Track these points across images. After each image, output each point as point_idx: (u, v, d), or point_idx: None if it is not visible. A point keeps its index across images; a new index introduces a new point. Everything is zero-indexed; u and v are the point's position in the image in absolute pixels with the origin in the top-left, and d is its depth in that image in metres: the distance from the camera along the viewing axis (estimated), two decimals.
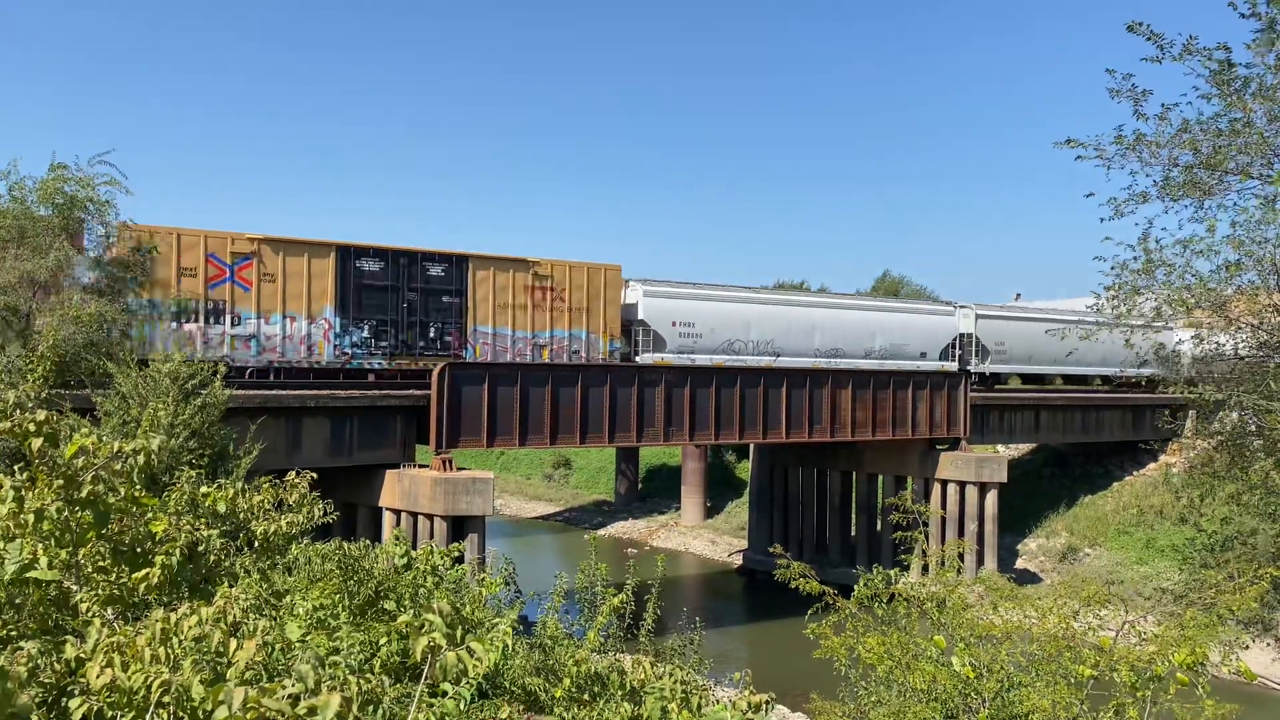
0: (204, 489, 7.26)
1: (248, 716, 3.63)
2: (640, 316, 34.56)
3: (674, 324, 35.14)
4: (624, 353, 34.21)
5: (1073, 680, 8.63)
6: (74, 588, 5.58)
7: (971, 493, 37.48)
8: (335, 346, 28.01)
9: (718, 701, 6.31)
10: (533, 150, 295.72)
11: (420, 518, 26.56)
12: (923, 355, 40.66)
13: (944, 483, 38.05)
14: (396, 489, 27.19)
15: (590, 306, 33.23)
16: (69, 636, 4.85)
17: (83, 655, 4.45)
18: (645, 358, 34.03)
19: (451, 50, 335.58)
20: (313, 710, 3.67)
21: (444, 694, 4.96)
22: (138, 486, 5.99)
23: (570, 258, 38.55)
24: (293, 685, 3.89)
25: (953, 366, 41.03)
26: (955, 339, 41.85)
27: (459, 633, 5.31)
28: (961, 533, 36.86)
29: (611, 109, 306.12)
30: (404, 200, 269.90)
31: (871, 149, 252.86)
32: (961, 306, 42.74)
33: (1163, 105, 19.37)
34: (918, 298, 44.33)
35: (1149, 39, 18.24)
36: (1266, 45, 17.85)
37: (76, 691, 4.24)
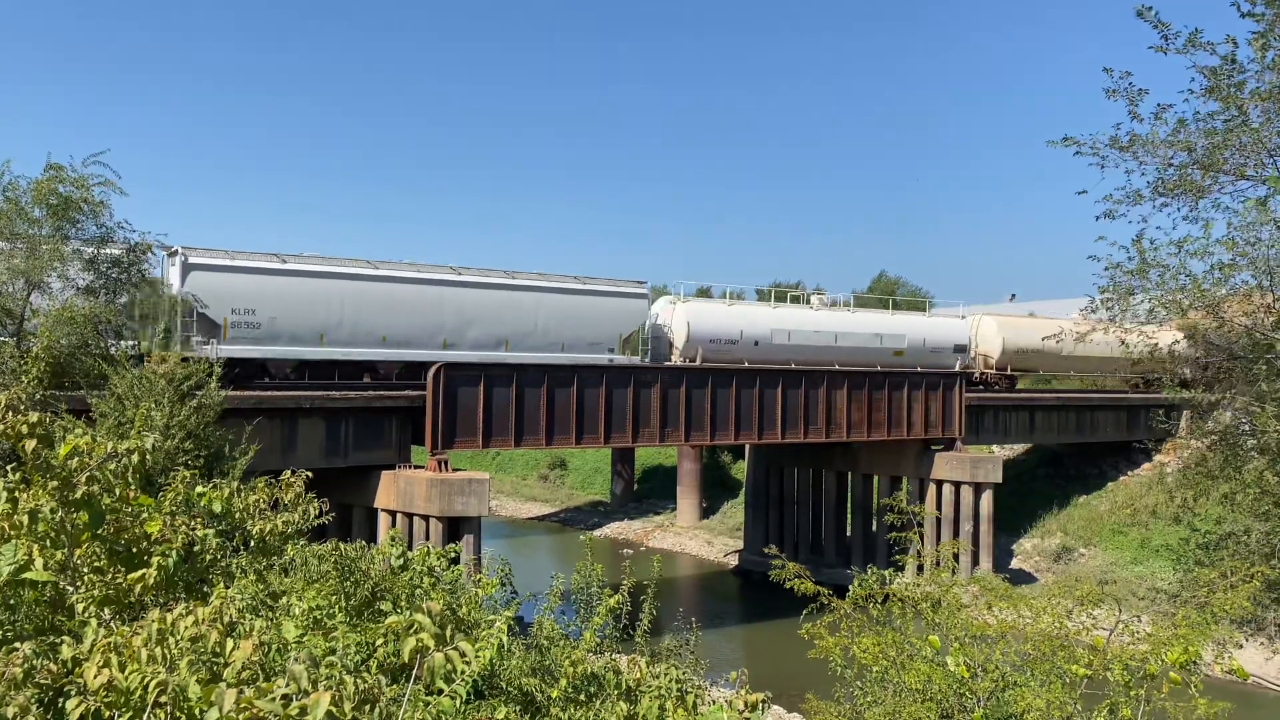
0: (199, 489, 7.26)
1: (240, 717, 3.64)
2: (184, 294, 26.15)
3: (234, 309, 26.82)
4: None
5: (1067, 679, 8.67)
6: (70, 588, 5.59)
7: (966, 493, 37.55)
8: None
9: (714, 701, 6.33)
10: (525, 152, 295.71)
11: (416, 519, 26.54)
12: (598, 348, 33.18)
13: (939, 483, 38.11)
14: (392, 490, 27.16)
15: None
16: (65, 637, 4.85)
17: (79, 656, 4.45)
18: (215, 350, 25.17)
19: (448, 50, 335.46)
20: (303, 710, 3.68)
21: (440, 694, 4.97)
22: (133, 487, 5.99)
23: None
24: (286, 686, 3.89)
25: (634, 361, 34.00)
26: (646, 327, 35.37)
27: (448, 633, 5.32)
28: (956, 533, 36.92)
29: (606, 112, 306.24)
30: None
31: (871, 148, 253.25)
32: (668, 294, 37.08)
33: (1158, 105, 19.47)
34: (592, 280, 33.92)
35: (1156, 26, 18.27)
36: (1263, 46, 17.94)
37: (73, 692, 4.24)
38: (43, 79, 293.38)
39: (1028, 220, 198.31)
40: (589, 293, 33.70)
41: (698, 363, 35.01)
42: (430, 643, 4.69)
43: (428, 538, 25.76)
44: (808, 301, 43.43)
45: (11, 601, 5.38)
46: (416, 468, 27.73)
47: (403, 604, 6.98)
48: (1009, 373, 41.56)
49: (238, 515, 7.45)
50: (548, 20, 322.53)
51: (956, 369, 40.68)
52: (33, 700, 4.16)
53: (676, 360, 35.49)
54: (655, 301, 37.36)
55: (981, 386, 44.15)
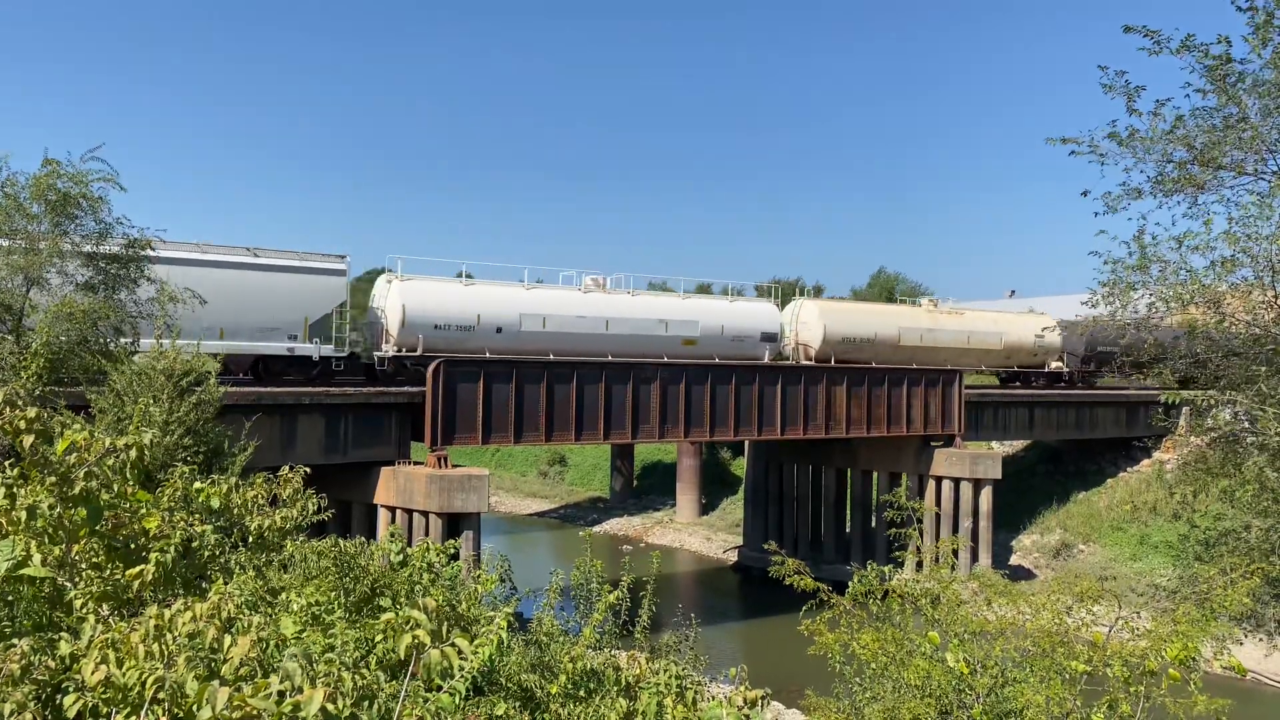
0: (198, 485, 7.25)
1: (234, 715, 3.62)
2: None
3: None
4: None
5: (1066, 676, 8.66)
6: (68, 584, 5.57)
7: (966, 489, 37.58)
8: None
9: (713, 697, 6.32)
10: (530, 152, 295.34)
11: (415, 515, 26.57)
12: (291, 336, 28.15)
13: (938, 479, 38.14)
14: (392, 486, 27.18)
15: None
16: (63, 633, 4.84)
17: (77, 652, 4.44)
18: None
19: (444, 51, 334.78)
20: (297, 707, 3.67)
21: (439, 690, 4.96)
22: (131, 483, 5.98)
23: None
24: (280, 683, 3.88)
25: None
26: (347, 309, 29.80)
27: (444, 629, 5.31)
28: (956, 529, 36.96)
29: (604, 109, 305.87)
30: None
31: (870, 147, 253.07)
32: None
33: (1156, 101, 19.44)
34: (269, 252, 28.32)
35: (1145, 34, 18.32)
36: (1261, 40, 17.92)
37: (71, 688, 4.23)
38: (35, 75, 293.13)
39: (1028, 217, 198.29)
40: (263, 267, 27.83)
41: (418, 352, 29.15)
42: (426, 639, 4.68)
43: (427, 534, 25.77)
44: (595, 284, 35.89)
45: (9, 598, 5.36)
46: (416, 464, 27.75)
47: (402, 600, 6.97)
48: (832, 365, 37.19)
49: (236, 511, 7.45)
50: (532, 7, 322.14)
51: (765, 360, 36.45)
52: (30, 696, 4.15)
53: (389, 351, 29.55)
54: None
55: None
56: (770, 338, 36.99)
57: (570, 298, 33.38)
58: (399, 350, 29.62)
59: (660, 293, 37.14)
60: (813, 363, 37.92)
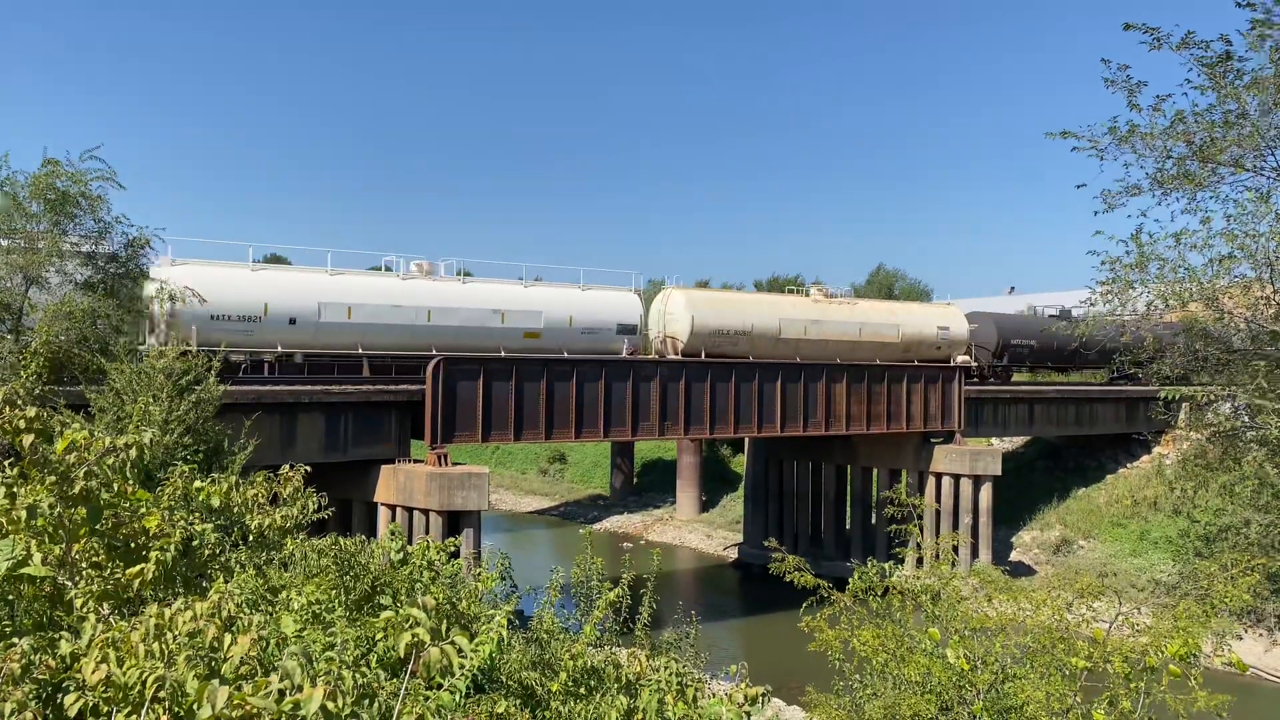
0: (197, 484, 7.25)
1: (234, 714, 3.63)
2: None
3: None
4: None
5: (1067, 672, 8.67)
6: (68, 584, 5.57)
7: (966, 486, 37.61)
8: None
9: (713, 694, 6.33)
10: (521, 150, 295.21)
11: (416, 513, 26.59)
12: None
13: (938, 476, 38.17)
14: (392, 484, 27.19)
15: None
16: (64, 633, 4.84)
17: (78, 651, 4.44)
18: None
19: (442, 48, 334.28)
20: (297, 705, 3.67)
21: (440, 688, 4.96)
22: (131, 482, 5.98)
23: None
24: (280, 681, 3.89)
25: None
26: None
27: (444, 627, 5.31)
28: (956, 525, 36.97)
29: (599, 109, 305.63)
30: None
31: (868, 146, 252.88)
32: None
33: (1156, 97, 19.44)
34: None
35: (1146, 31, 18.33)
36: (1260, 37, 17.92)
37: (72, 687, 4.23)
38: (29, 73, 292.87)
39: (1029, 214, 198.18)
40: None
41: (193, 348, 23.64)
42: (426, 637, 4.68)
43: (427, 532, 25.80)
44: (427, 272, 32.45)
45: (10, 597, 5.37)
46: (416, 462, 27.76)
47: (402, 598, 6.97)
48: (704, 360, 34.39)
49: (236, 510, 7.45)
50: (538, 15, 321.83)
51: (624, 354, 33.44)
52: (31, 695, 4.16)
53: (153, 343, 24.85)
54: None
55: None
56: (628, 330, 34.12)
57: (384, 284, 30.00)
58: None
59: (499, 280, 33.71)
60: (679, 357, 34.69)
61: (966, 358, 42.41)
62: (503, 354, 30.37)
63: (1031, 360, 45.45)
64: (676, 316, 35.36)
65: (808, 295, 40.23)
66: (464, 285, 31.75)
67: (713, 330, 35.31)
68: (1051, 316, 47.28)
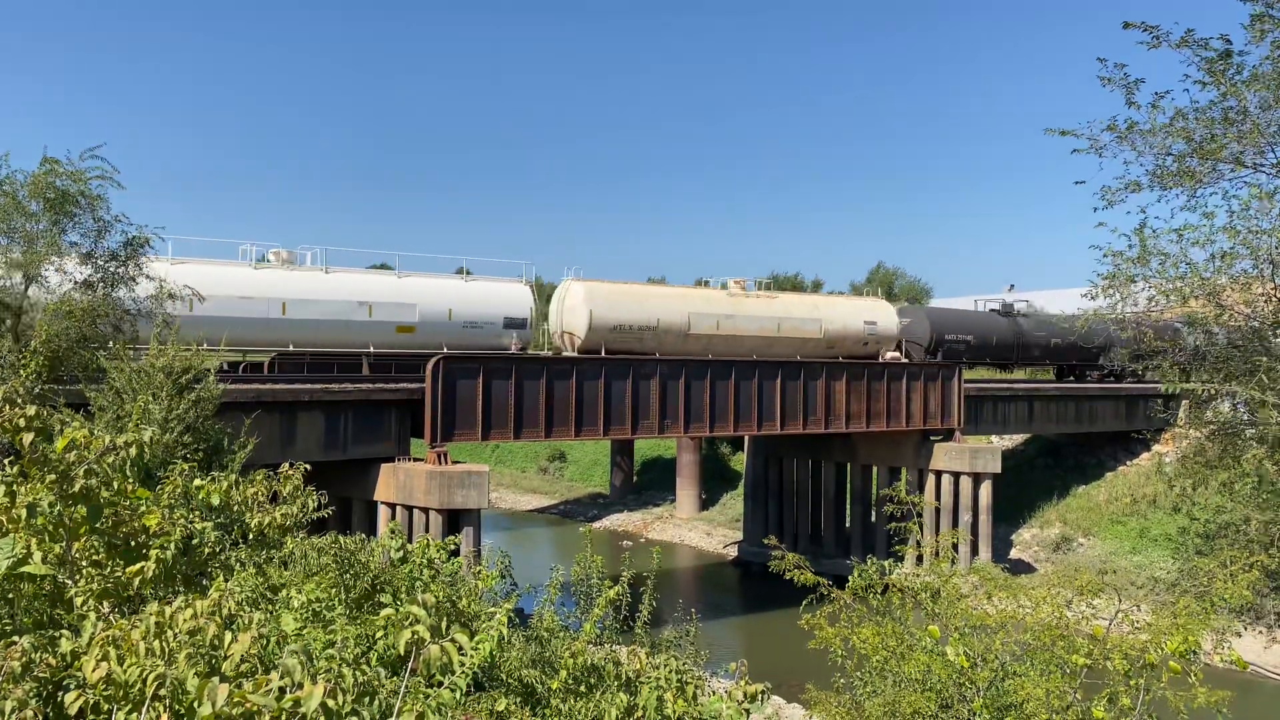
0: (197, 482, 7.25)
1: (234, 712, 3.63)
2: None
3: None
4: None
5: (1066, 669, 8.68)
6: (68, 582, 5.58)
7: (966, 483, 37.63)
8: None
9: (713, 692, 6.33)
10: (525, 151, 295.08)
11: (415, 511, 26.59)
12: None
13: (938, 473, 38.18)
14: (392, 483, 27.20)
15: None
16: (64, 631, 4.85)
17: (78, 649, 4.44)
18: None
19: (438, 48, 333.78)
20: (297, 703, 3.67)
21: (440, 685, 4.97)
22: (131, 480, 5.98)
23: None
24: (280, 679, 3.89)
25: None
26: None
27: (444, 625, 5.31)
28: (956, 523, 36.99)
29: (603, 104, 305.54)
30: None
31: (868, 144, 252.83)
32: None
33: (1155, 94, 19.41)
34: None
35: (1145, 30, 18.33)
36: (1260, 33, 17.90)
37: (72, 685, 4.24)
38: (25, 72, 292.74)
39: (1029, 212, 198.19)
40: None
41: None
42: (426, 635, 4.68)
43: (427, 530, 25.81)
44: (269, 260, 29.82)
45: (10, 595, 5.37)
46: (416, 460, 27.76)
47: (402, 596, 6.98)
48: (603, 356, 32.00)
49: (236, 508, 7.45)
50: (531, 8, 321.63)
51: (513, 350, 31.57)
52: (32, 694, 4.16)
53: None
54: None
55: None
56: (517, 324, 32.26)
57: (231, 274, 27.58)
58: None
59: (367, 270, 31.50)
60: (575, 354, 32.59)
61: (896, 354, 40.61)
62: (371, 349, 29.28)
63: (969, 356, 42.85)
64: (574, 310, 32.91)
65: (722, 289, 37.93)
66: (326, 275, 29.77)
67: (614, 325, 32.92)
68: (993, 311, 46.25)
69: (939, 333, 41.83)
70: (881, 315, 40.25)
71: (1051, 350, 44.97)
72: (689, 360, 33.08)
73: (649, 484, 59.10)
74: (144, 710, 3.97)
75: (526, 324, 32.79)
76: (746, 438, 44.87)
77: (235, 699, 3.64)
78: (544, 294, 41.18)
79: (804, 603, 10.45)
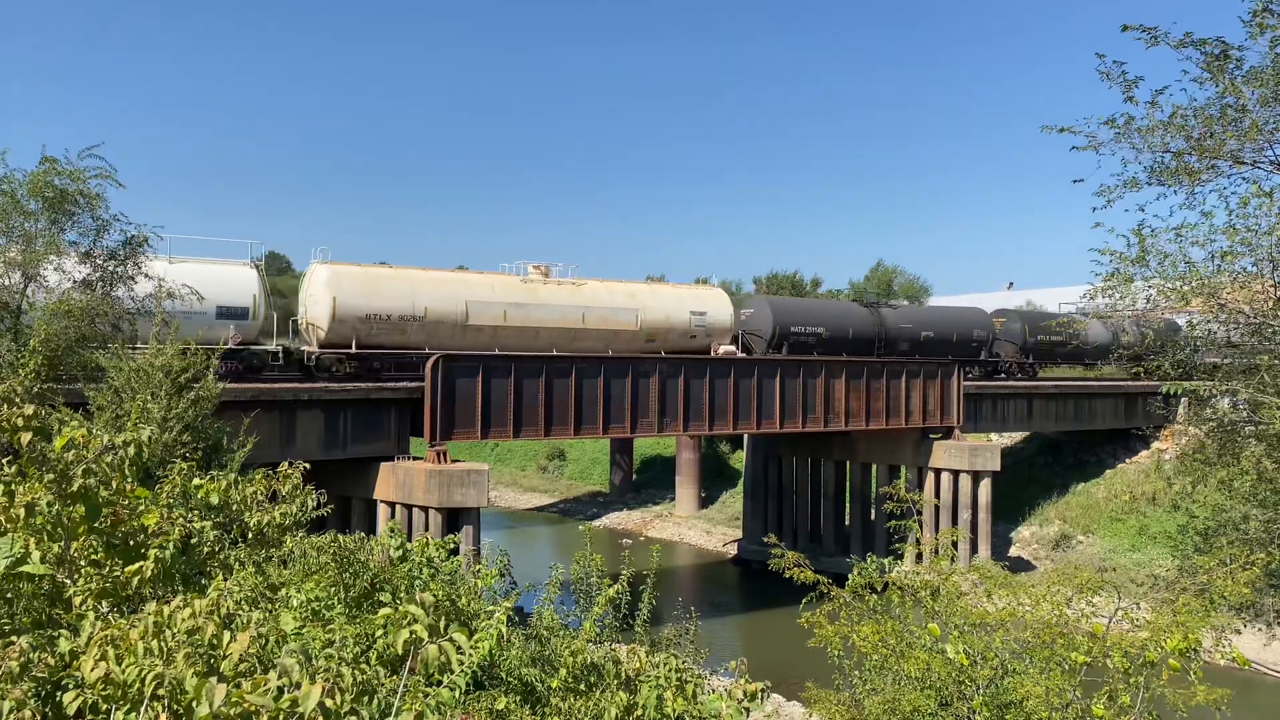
0: (196, 481, 7.24)
1: (232, 711, 3.62)
2: None
3: None
4: None
5: (1066, 667, 8.67)
6: (67, 581, 5.57)
7: (965, 481, 37.65)
8: None
9: (713, 690, 6.33)
10: (526, 150, 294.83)
11: (415, 510, 26.59)
12: None
13: (938, 471, 38.20)
14: (391, 481, 27.20)
15: None
16: (63, 630, 4.84)
17: (76, 649, 4.44)
18: None
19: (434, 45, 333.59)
20: (295, 703, 3.67)
21: (439, 684, 4.96)
22: (130, 479, 5.97)
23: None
24: (278, 678, 3.88)
25: None
26: None
27: (443, 624, 5.31)
28: (955, 521, 37.03)
29: (602, 104, 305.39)
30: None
31: (867, 143, 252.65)
32: None
33: (1154, 91, 19.38)
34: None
35: (1144, 30, 18.31)
36: (1259, 27, 17.87)
37: (71, 685, 4.23)
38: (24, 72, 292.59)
39: (1029, 211, 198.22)
40: None
41: None
42: (425, 634, 4.68)
43: (427, 529, 25.81)
44: None
45: (9, 595, 5.36)
46: (415, 459, 27.76)
47: (402, 595, 6.97)
48: (352, 351, 28.76)
49: (235, 507, 7.44)
50: (530, 19, 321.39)
51: (228, 343, 25.53)
52: (30, 693, 4.15)
53: None
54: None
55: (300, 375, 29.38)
56: (235, 314, 27.62)
57: None
58: None
59: None
60: (316, 350, 29.02)
61: (732, 348, 37.05)
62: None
63: (821, 351, 38.87)
64: (316, 298, 28.76)
65: (519, 275, 33.40)
66: None
67: (366, 315, 28.67)
68: (854, 301, 44.76)
69: (784, 325, 38.43)
70: (712, 305, 36.56)
71: (921, 344, 41.97)
72: (687, 359, 33.08)
73: (648, 482, 59.11)
74: (142, 710, 3.96)
75: (248, 314, 27.90)
76: (746, 436, 44.88)
77: (233, 698, 3.64)
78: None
79: (803, 601, 10.45)
